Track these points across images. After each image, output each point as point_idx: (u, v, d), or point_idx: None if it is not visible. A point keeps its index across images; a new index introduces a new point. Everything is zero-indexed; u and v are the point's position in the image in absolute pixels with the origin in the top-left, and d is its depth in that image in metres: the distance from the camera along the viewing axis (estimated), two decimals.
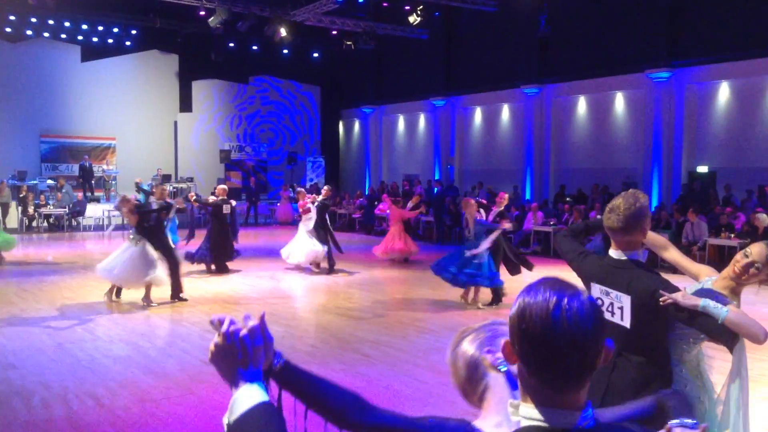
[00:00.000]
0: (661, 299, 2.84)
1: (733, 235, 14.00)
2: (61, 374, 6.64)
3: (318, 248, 13.10)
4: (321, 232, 13.21)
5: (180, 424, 5.37)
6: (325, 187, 14.39)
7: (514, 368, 1.39)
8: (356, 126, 31.45)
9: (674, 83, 18.90)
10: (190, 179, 26.67)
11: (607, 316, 3.07)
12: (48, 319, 9.11)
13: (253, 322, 1.41)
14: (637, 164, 19.87)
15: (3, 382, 6.37)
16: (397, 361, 7.19)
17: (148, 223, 10.11)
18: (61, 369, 6.82)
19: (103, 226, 22.07)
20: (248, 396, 1.33)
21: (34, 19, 24.04)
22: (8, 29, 24.13)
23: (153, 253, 9.94)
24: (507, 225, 10.36)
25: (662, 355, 3.06)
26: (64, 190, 21.71)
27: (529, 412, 1.35)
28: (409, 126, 28.55)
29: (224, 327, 1.40)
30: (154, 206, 10.72)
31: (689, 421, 1.63)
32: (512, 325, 1.34)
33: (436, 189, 22.83)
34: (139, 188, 16.83)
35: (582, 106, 21.67)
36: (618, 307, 3.02)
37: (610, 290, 3.05)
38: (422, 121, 27.78)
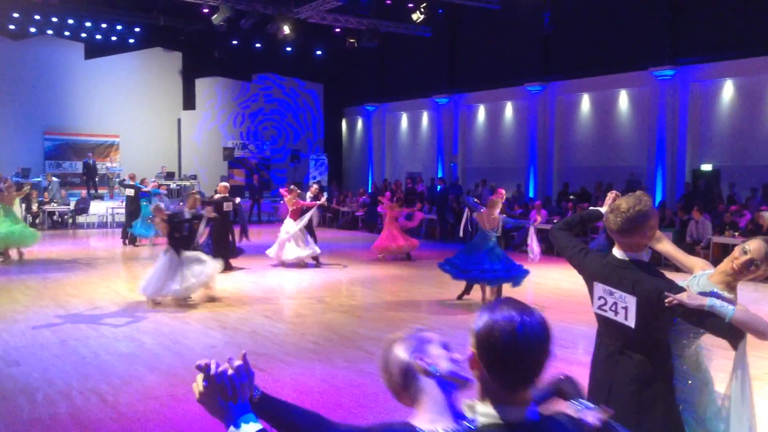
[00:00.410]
0: (666, 301, 2.83)
1: (737, 234, 13.96)
2: (65, 371, 6.65)
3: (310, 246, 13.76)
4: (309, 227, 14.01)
5: (184, 421, 5.38)
6: (314, 186, 15.12)
7: (444, 371, 1.72)
8: (359, 124, 31.44)
9: (678, 81, 18.86)
10: (194, 177, 26.70)
11: (610, 315, 3.07)
12: (52, 317, 9.12)
13: (238, 362, 1.61)
14: (641, 162, 19.83)
15: (7, 379, 6.38)
16: None
17: (180, 233, 10.03)
18: (65, 366, 6.84)
19: (107, 224, 22.11)
20: (251, 428, 1.52)
21: (37, 17, 24.06)
22: (12, 27, 24.15)
23: (187, 256, 9.91)
24: (538, 218, 10.83)
25: (663, 352, 3.06)
26: (50, 186, 21.46)
27: (486, 410, 1.65)
28: (412, 124, 28.53)
29: (212, 370, 1.56)
30: (187, 216, 10.52)
31: (587, 402, 1.92)
32: (480, 339, 1.62)
33: (439, 187, 22.81)
34: (122, 184, 17.39)
35: (586, 103, 21.63)
36: (622, 307, 3.01)
37: (614, 290, 3.04)
38: (425, 118, 27.77)
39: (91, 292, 10.90)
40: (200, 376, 1.58)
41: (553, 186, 22.15)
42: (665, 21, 18.97)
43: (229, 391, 1.57)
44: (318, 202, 14.65)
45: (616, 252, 3.08)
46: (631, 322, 2.98)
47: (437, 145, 26.58)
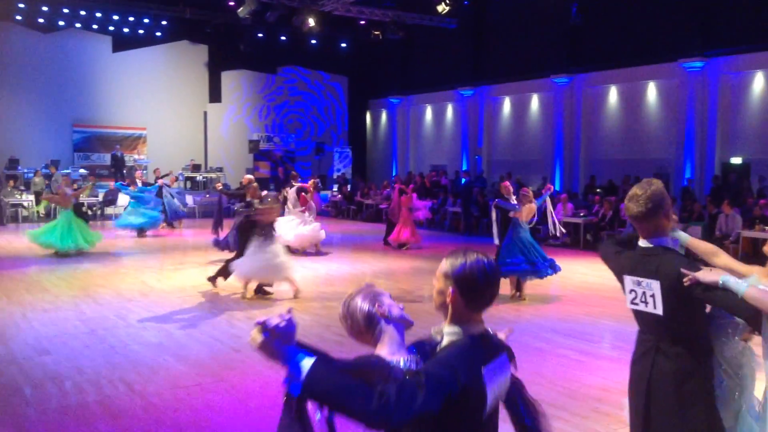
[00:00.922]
0: (684, 279, 2.82)
1: (767, 228, 13.74)
2: (94, 360, 6.75)
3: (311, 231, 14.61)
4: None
5: (211, 410, 5.43)
6: (313, 180, 16.55)
7: (397, 315, 2.27)
8: (383, 116, 31.41)
9: (708, 73, 18.57)
10: (220, 169, 26.92)
11: (641, 307, 3.04)
12: (81, 306, 9.26)
13: (287, 315, 1.98)
14: (669, 155, 19.58)
15: (38, 367, 6.49)
16: None
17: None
18: (94, 355, 6.93)
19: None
20: (308, 362, 1.90)
21: (66, 10, 24.36)
22: (41, 20, 24.48)
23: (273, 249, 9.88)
24: (551, 187, 11.15)
25: (701, 347, 3.00)
26: (53, 178, 21.30)
27: (452, 330, 2.22)
28: (437, 116, 28.44)
29: (271, 323, 1.93)
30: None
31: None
32: (460, 277, 2.18)
33: (463, 180, 22.72)
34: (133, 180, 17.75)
35: (613, 95, 21.39)
36: (650, 296, 2.99)
37: (640, 279, 3.03)
38: (450, 111, 27.65)
39: (119, 283, 11.04)
40: (257, 329, 1.93)
41: (580, 179, 21.95)
42: (695, 12, 18.68)
43: (285, 337, 1.93)
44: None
45: (642, 243, 3.08)
46: (659, 310, 2.96)
47: (462, 137, 26.46)
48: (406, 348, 2.25)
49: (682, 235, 3.32)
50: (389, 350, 2.21)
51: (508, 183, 10.56)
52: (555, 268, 9.86)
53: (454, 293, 2.18)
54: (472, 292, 2.18)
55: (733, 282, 2.74)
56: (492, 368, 2.16)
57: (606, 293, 10.49)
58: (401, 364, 2.15)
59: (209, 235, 15.03)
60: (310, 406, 2.00)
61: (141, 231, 17.70)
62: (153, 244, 16.80)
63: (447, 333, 2.21)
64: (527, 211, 9.92)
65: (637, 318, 3.17)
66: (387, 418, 1.84)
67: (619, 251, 3.28)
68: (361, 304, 2.28)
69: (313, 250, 14.84)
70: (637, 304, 3.08)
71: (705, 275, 2.80)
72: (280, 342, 1.93)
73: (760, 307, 2.74)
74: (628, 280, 3.10)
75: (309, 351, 1.94)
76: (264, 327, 1.93)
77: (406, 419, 1.86)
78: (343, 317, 2.33)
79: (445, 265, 2.22)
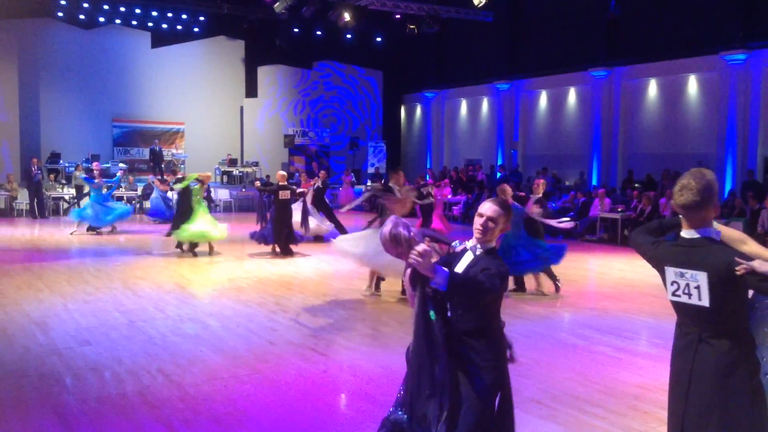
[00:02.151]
0: (737, 268, 2.78)
1: None
2: (133, 351, 6.86)
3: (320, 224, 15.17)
4: (324, 211, 15.83)
5: (246, 401, 5.48)
6: (322, 172, 17.11)
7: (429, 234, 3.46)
8: (418, 110, 31.33)
9: (751, 65, 18.13)
10: (255, 163, 27.14)
11: (684, 299, 2.99)
12: (121, 298, 9.42)
13: (429, 247, 3.00)
14: (710, 150, 19.19)
15: (78, 358, 6.63)
16: None
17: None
18: (133, 346, 7.05)
19: (173, 209, 22.65)
20: (444, 271, 2.95)
21: (106, 6, 24.78)
22: (82, 16, 24.94)
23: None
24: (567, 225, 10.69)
25: (746, 339, 2.95)
26: (77, 173, 21.01)
27: (489, 246, 3.38)
28: (472, 110, 28.27)
29: (425, 247, 2.92)
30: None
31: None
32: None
33: (499, 174, 22.57)
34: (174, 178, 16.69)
35: (653, 89, 21.02)
36: (695, 287, 2.94)
37: (685, 271, 2.98)
38: (485, 105, 27.46)
39: (157, 275, 11.21)
40: (416, 251, 2.90)
41: (618, 174, 21.64)
42: (736, 3, 18.24)
43: (435, 255, 3.05)
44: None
45: (685, 233, 3.04)
46: (705, 301, 2.91)
47: (497, 131, 26.27)
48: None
49: None
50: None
51: (506, 186, 10.24)
52: (560, 254, 9.92)
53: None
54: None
55: None
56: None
57: (644, 289, 10.33)
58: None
59: (245, 228, 15.23)
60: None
61: (95, 228, 16.60)
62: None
63: (484, 248, 3.36)
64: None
65: (678, 310, 3.11)
66: (493, 289, 3.11)
67: (657, 241, 3.23)
68: (402, 232, 3.10)
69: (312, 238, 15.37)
70: (679, 296, 3.03)
71: (761, 266, 2.76)
72: (431, 264, 2.91)
73: None
74: (671, 271, 3.04)
75: (441, 267, 2.97)
76: (421, 252, 2.88)
77: (496, 292, 3.18)
78: (387, 242, 3.12)
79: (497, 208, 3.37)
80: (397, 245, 3.09)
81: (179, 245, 13.71)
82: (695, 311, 2.97)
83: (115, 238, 16.23)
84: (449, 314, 3.31)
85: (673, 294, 3.05)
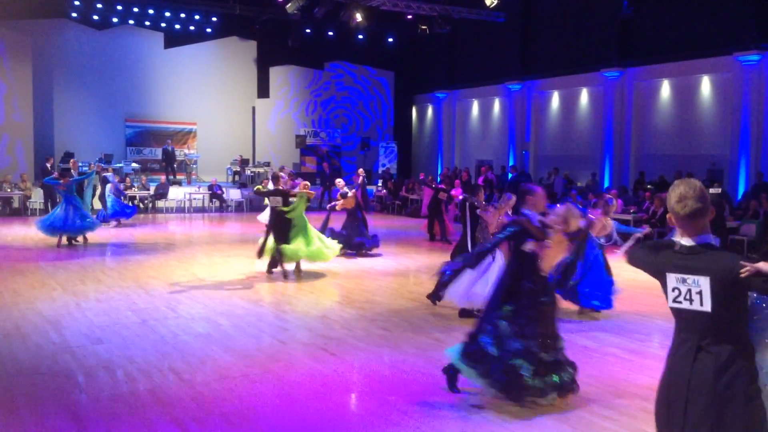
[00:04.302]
0: (742, 271, 2.78)
1: None
2: (145, 349, 6.90)
3: None
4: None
5: (258, 400, 5.51)
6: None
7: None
8: (429, 111, 31.32)
9: (765, 66, 18.01)
10: (267, 164, 27.22)
11: (685, 305, 2.98)
12: (133, 297, 9.48)
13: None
14: (723, 151, 19.06)
15: (91, 356, 6.68)
16: None
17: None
18: (145, 344, 7.09)
19: (185, 209, 22.81)
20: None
21: (119, 7, 24.93)
22: (95, 17, 25.11)
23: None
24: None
25: (746, 347, 2.93)
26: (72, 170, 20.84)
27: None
28: (483, 111, 28.23)
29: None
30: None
31: None
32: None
33: (510, 175, 22.52)
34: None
35: (665, 90, 20.91)
36: (696, 293, 2.93)
37: (686, 276, 2.97)
38: (497, 105, 27.41)
39: (169, 275, 11.27)
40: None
41: (630, 175, 21.54)
42: (750, 3, 18.12)
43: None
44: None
45: (685, 241, 3.03)
46: (707, 306, 2.90)
47: (509, 132, 26.21)
48: None
49: None
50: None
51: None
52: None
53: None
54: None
55: None
56: None
57: (655, 291, 10.20)
58: None
59: (257, 228, 15.25)
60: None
61: (70, 236, 14.44)
62: (202, 237, 17.10)
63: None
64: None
65: (678, 317, 3.10)
66: None
67: (655, 251, 3.22)
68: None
69: None
70: (680, 302, 3.02)
71: (766, 266, 2.76)
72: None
73: None
74: (672, 277, 3.04)
75: None
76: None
77: None
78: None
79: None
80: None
81: (275, 265, 11.24)
82: (696, 317, 2.96)
83: (127, 235, 16.32)
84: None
85: (674, 300, 3.04)
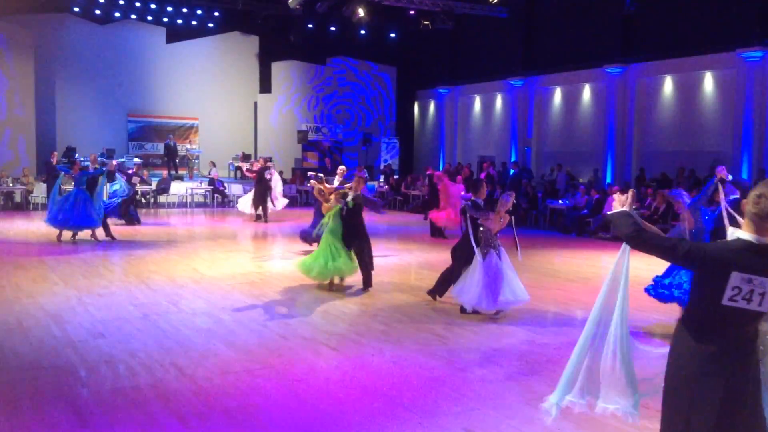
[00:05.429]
0: None
1: None
2: (147, 344, 6.91)
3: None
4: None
5: (259, 395, 5.51)
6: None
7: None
8: (431, 107, 31.29)
9: (767, 63, 17.98)
10: (269, 159, 27.16)
11: (741, 304, 2.97)
12: (135, 291, 9.49)
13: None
14: (725, 148, 19.03)
15: (93, 350, 6.68)
16: (471, 342, 7.17)
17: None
18: (147, 339, 7.10)
19: (186, 203, 22.81)
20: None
21: (122, 2, 24.93)
22: (98, 11, 25.11)
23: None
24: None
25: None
26: (91, 165, 20.00)
27: (745, 235, 2.97)
28: (485, 107, 28.19)
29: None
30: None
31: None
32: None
33: (512, 171, 22.50)
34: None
35: (668, 86, 20.87)
36: (759, 293, 2.95)
37: (754, 277, 2.94)
38: (499, 101, 27.37)
39: (171, 269, 11.28)
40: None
41: (632, 171, 21.53)
42: (753, 0, 18.06)
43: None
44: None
45: (752, 238, 3.00)
46: (765, 307, 2.98)
47: (511, 128, 26.18)
48: None
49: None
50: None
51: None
52: None
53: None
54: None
55: None
56: None
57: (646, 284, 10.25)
58: None
59: (259, 223, 15.26)
60: None
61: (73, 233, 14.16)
62: (203, 233, 17.11)
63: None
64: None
65: (723, 316, 3.05)
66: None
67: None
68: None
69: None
70: (736, 301, 2.98)
71: None
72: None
73: None
74: (738, 277, 2.97)
75: None
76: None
77: None
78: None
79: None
80: None
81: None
82: (745, 315, 2.99)
83: (132, 231, 16.32)
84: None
85: (730, 299, 2.99)
